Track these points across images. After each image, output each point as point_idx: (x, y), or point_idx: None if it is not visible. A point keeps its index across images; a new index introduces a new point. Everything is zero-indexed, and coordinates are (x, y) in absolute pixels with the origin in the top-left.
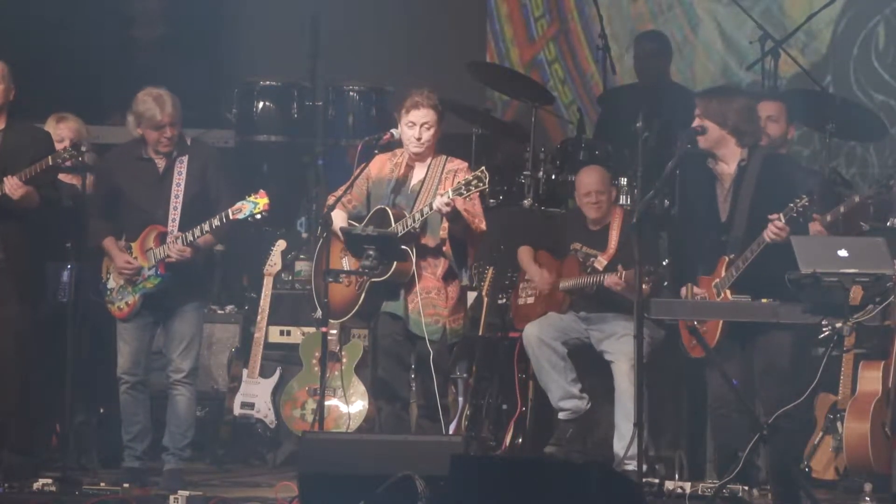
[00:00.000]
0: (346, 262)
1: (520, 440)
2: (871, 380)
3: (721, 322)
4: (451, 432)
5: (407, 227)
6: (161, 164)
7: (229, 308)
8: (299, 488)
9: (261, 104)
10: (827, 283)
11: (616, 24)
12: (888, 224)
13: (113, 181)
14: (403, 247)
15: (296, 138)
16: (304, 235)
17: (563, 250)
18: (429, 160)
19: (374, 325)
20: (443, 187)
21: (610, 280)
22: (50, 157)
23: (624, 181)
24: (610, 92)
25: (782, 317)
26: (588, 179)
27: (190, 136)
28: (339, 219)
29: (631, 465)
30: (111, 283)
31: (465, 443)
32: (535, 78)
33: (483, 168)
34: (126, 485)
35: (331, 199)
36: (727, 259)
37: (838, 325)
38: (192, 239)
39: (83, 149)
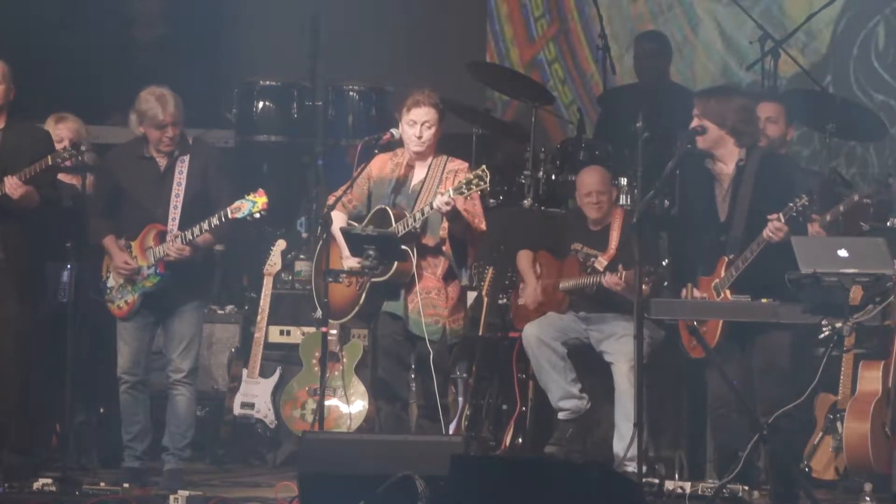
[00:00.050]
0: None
1: (520, 440)
2: (871, 380)
3: (721, 322)
4: (451, 432)
5: (407, 226)
6: (162, 163)
7: (229, 308)
8: (299, 488)
9: (261, 104)
10: (827, 283)
11: (616, 24)
12: (888, 224)
13: (114, 179)
14: (404, 247)
15: (296, 138)
16: (304, 235)
17: (564, 250)
18: (429, 160)
19: (374, 325)
20: (443, 187)
21: (610, 280)
22: (50, 157)
23: (624, 181)
24: (610, 92)
25: (782, 317)
26: (589, 179)
27: (191, 136)
28: (338, 220)
29: (631, 466)
30: (111, 282)
31: (465, 443)
32: (535, 78)
33: (484, 167)
34: (126, 485)
35: (331, 199)
36: (727, 259)
37: (838, 325)
38: (191, 238)
39: (83, 148)
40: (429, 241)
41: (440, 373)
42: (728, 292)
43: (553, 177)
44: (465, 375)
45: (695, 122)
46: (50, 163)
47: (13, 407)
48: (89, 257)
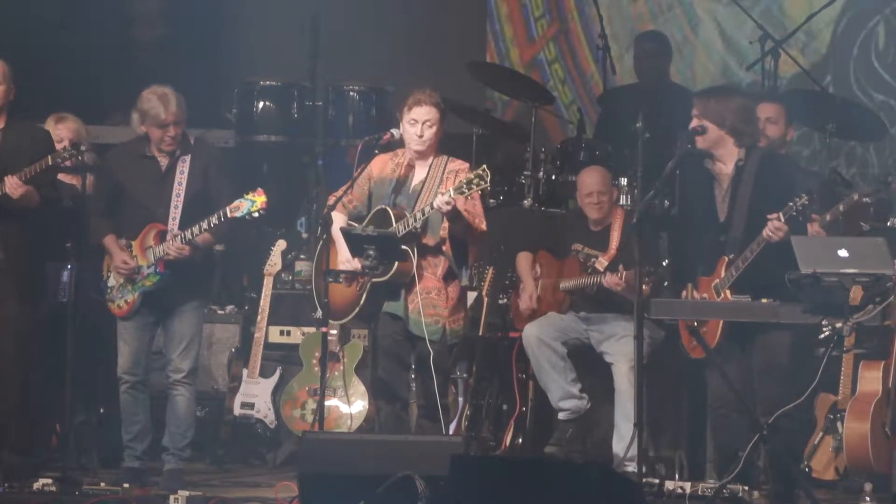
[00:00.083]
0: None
1: (520, 440)
2: (871, 380)
3: (721, 322)
4: (451, 432)
5: (408, 226)
6: (164, 162)
7: (229, 308)
8: (299, 488)
9: (261, 104)
10: (827, 283)
11: (616, 24)
12: (888, 224)
13: (115, 179)
14: (404, 247)
15: (296, 138)
16: (304, 235)
17: (564, 250)
18: (430, 160)
19: (374, 325)
20: (444, 187)
21: (610, 280)
22: (50, 157)
23: (624, 181)
24: (610, 92)
25: (782, 317)
26: (590, 180)
27: (193, 136)
28: (339, 221)
29: (631, 466)
30: (111, 282)
31: (465, 443)
32: (535, 78)
33: (484, 167)
34: (126, 485)
35: (331, 200)
36: (727, 259)
37: (838, 325)
38: (190, 237)
39: (83, 148)
40: (429, 241)
41: (440, 373)
42: (728, 292)
43: (553, 177)
44: (465, 375)
45: (694, 122)
46: (50, 163)
47: (13, 407)
48: (89, 257)
